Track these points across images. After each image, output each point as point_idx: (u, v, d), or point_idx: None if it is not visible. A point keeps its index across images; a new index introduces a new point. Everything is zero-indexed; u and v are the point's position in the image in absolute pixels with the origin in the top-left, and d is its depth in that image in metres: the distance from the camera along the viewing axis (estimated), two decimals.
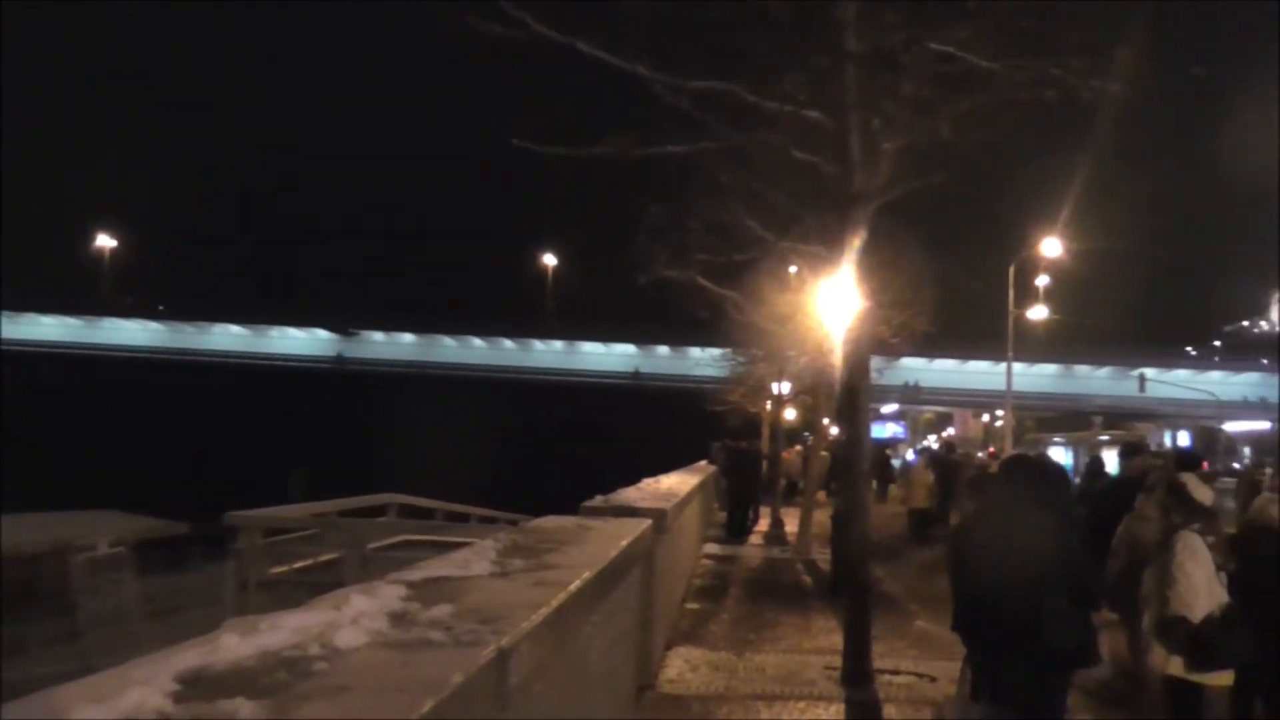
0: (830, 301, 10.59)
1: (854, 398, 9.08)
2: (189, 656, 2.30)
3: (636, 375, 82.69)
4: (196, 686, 2.11)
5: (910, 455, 43.11)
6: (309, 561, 14.64)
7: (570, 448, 64.69)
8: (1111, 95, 8.08)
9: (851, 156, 8.41)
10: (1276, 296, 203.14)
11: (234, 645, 2.40)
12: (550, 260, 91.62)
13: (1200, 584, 6.25)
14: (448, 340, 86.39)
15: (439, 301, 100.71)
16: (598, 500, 8.04)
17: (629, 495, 9.09)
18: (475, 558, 4.06)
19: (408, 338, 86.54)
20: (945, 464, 24.60)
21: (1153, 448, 46.73)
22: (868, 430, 9.73)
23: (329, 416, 75.82)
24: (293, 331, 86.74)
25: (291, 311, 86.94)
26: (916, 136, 8.39)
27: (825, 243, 10.40)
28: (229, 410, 73.44)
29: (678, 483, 13.37)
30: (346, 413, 77.10)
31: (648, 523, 6.90)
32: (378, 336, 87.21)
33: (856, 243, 8.79)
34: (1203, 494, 6.51)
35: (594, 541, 5.13)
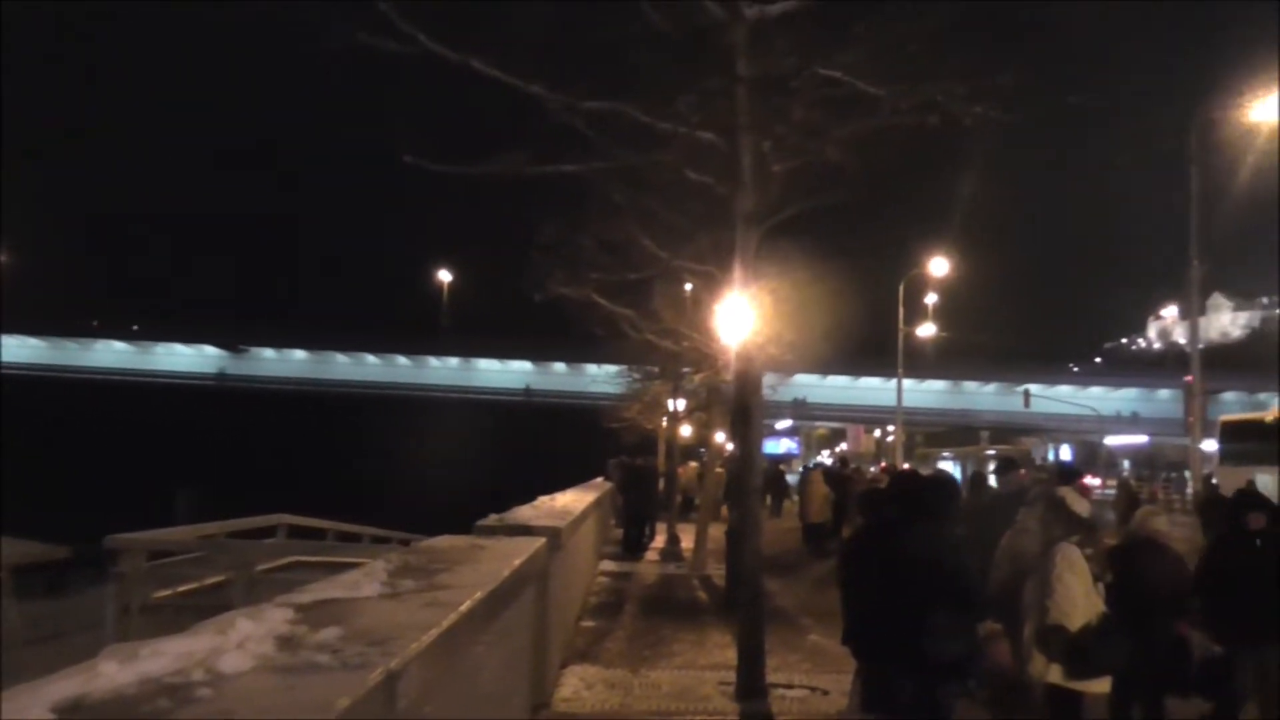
0: (724, 319, 10.71)
1: (746, 414, 9.18)
2: (67, 685, 2.24)
3: (528, 392, 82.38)
4: (75, 715, 2.07)
5: (799, 470, 43.56)
6: (194, 585, 14.28)
7: (466, 465, 64.15)
8: (992, 121, 8.34)
9: (743, 177, 8.54)
10: (1152, 317, 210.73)
11: (114, 672, 2.35)
12: (446, 277, 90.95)
13: (1078, 594, 6.44)
14: (341, 357, 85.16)
15: (333, 318, 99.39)
16: (491, 519, 7.99)
17: (523, 513, 9.05)
18: (365, 579, 4.03)
19: (299, 354, 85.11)
20: (839, 479, 24.97)
21: (1037, 461, 48.05)
22: (760, 446, 9.84)
23: (217, 435, 74.12)
24: (180, 348, 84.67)
25: (179, 328, 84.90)
26: (806, 158, 8.55)
27: (719, 262, 10.50)
28: (113, 429, 71.31)
29: (573, 500, 13.34)
30: (236, 431, 75.42)
31: (542, 541, 6.89)
32: (268, 353, 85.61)
33: (749, 262, 8.90)
34: (1081, 507, 6.72)
35: (487, 561, 5.11)
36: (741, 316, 9.19)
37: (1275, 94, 22.82)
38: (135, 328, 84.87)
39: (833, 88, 8.27)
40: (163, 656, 2.50)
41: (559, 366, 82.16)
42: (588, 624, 13.90)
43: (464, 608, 3.60)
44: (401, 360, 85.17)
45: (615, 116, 8.96)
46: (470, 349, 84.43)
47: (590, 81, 9.01)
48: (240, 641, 2.70)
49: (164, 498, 39.96)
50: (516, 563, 5.22)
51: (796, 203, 9.44)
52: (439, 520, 9.79)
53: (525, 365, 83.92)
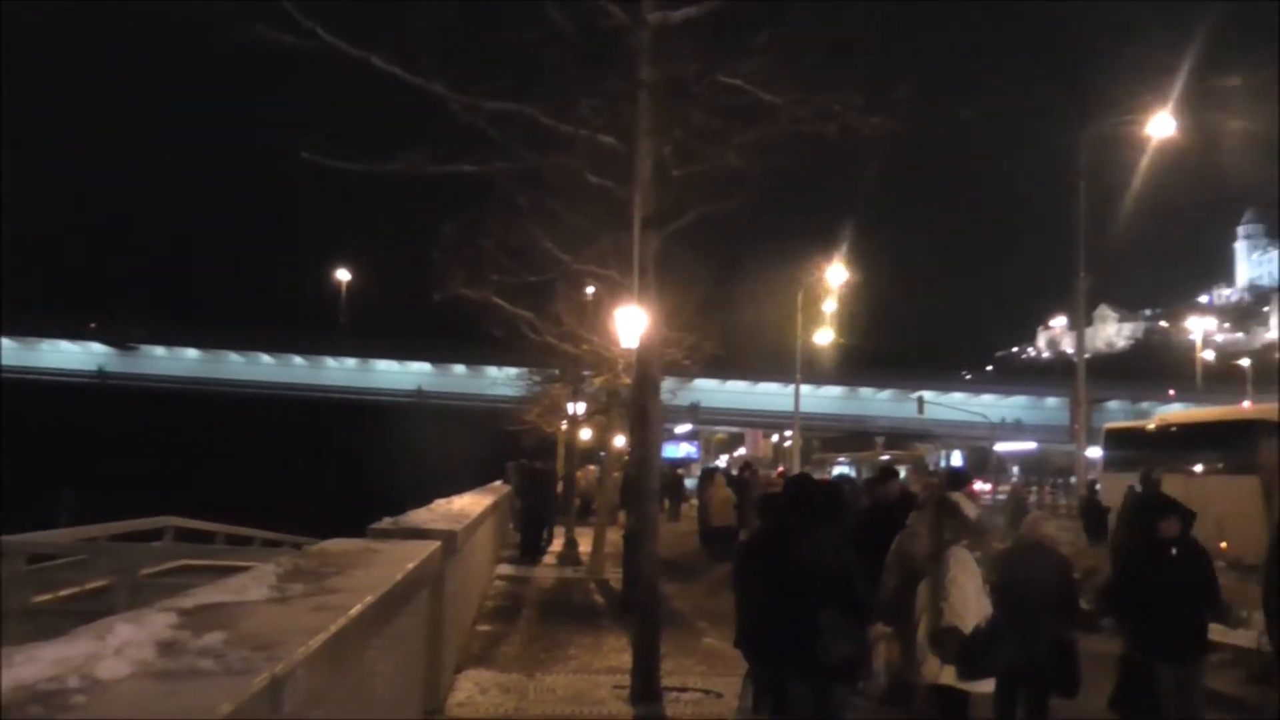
0: (623, 323, 10.73)
1: (644, 417, 9.22)
2: None
3: (420, 394, 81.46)
4: None
5: (698, 473, 43.81)
6: (76, 589, 13.87)
7: (363, 468, 63.33)
8: (888, 132, 8.49)
9: (643, 182, 8.57)
10: (1042, 327, 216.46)
11: None
12: (344, 276, 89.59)
13: (971, 597, 6.58)
14: (234, 356, 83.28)
15: (227, 317, 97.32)
16: (386, 522, 7.90)
17: (419, 516, 8.96)
18: (253, 583, 3.95)
19: (191, 353, 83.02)
20: (738, 483, 25.17)
21: (930, 467, 48.84)
22: (658, 449, 9.89)
23: (104, 434, 72.06)
24: (65, 345, 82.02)
25: (65, 324, 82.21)
26: (706, 164, 8.62)
27: (620, 265, 10.53)
28: None
29: (470, 503, 13.25)
30: (124, 431, 73.41)
31: (437, 544, 6.83)
32: (159, 351, 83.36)
33: (648, 266, 8.94)
34: (970, 511, 6.87)
35: (379, 564, 5.05)
36: (640, 320, 9.22)
37: (1162, 112, 23.56)
38: (19, 323, 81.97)
39: (733, 95, 8.36)
40: (37, 662, 2.42)
41: (459, 368, 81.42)
42: (484, 628, 13.82)
43: (354, 612, 3.55)
44: (298, 360, 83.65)
45: (517, 117, 8.95)
46: (369, 350, 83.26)
47: (494, 82, 8.97)
48: (119, 647, 2.62)
49: (49, 499, 38.69)
50: (410, 566, 5.17)
51: (697, 208, 9.51)
52: (334, 523, 9.65)
53: (424, 367, 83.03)
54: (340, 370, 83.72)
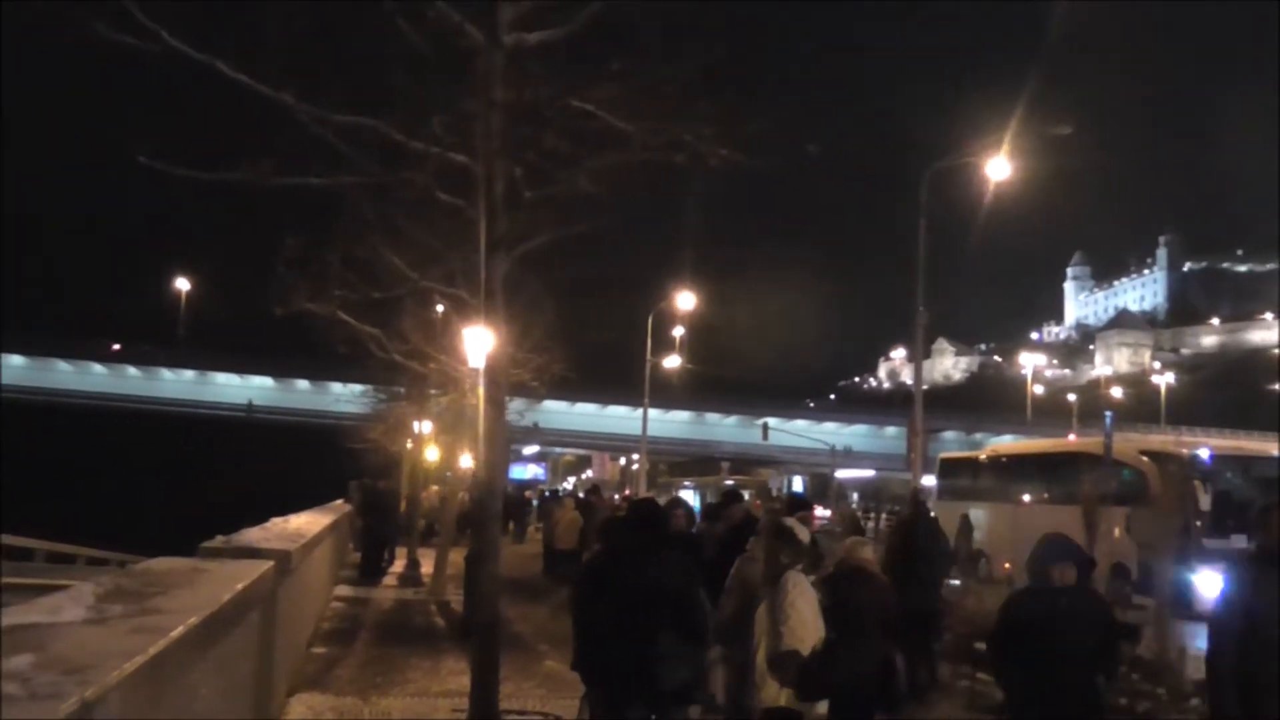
0: (471, 343, 10.66)
1: (488, 438, 9.17)
2: None
3: (250, 408, 79.31)
4: None
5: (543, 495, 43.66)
6: None
7: (200, 484, 61.31)
8: (737, 164, 8.65)
9: (495, 202, 8.55)
10: (883, 358, 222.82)
11: None
12: (184, 285, 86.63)
13: (809, 620, 6.71)
14: (63, 365, 79.77)
15: (59, 324, 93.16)
16: (218, 540, 7.65)
17: (252, 535, 8.71)
18: (69, 603, 3.79)
19: (16, 360, 79.09)
20: (584, 506, 25.17)
21: (773, 492, 49.61)
22: (502, 470, 9.84)
23: None
24: None
25: None
26: (558, 187, 8.65)
27: (469, 285, 10.45)
28: None
29: (308, 522, 12.95)
30: None
31: (269, 564, 6.65)
32: None
33: (497, 286, 8.91)
34: (804, 535, 7.01)
35: (207, 584, 4.90)
36: (487, 340, 9.17)
37: (999, 155, 24.51)
38: None
39: (586, 120, 8.41)
40: None
41: (302, 384, 79.59)
42: (319, 650, 13.50)
43: (175, 634, 3.44)
44: (132, 371, 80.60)
45: (368, 132, 8.82)
46: (209, 362, 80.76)
47: (345, 94, 8.83)
48: None
49: None
50: (239, 587, 5.03)
51: (549, 230, 9.52)
52: (166, 541, 9.34)
53: (266, 381, 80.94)
54: (177, 382, 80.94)
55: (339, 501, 26.06)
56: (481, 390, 9.44)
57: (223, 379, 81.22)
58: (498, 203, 8.55)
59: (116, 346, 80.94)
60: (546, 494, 41.67)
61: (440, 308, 17.47)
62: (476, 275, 9.42)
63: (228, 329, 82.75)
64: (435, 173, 8.98)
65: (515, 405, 26.86)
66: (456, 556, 20.49)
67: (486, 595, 9.30)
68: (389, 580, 23.11)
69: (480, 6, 8.63)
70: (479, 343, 9.73)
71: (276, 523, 11.41)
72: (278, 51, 8.51)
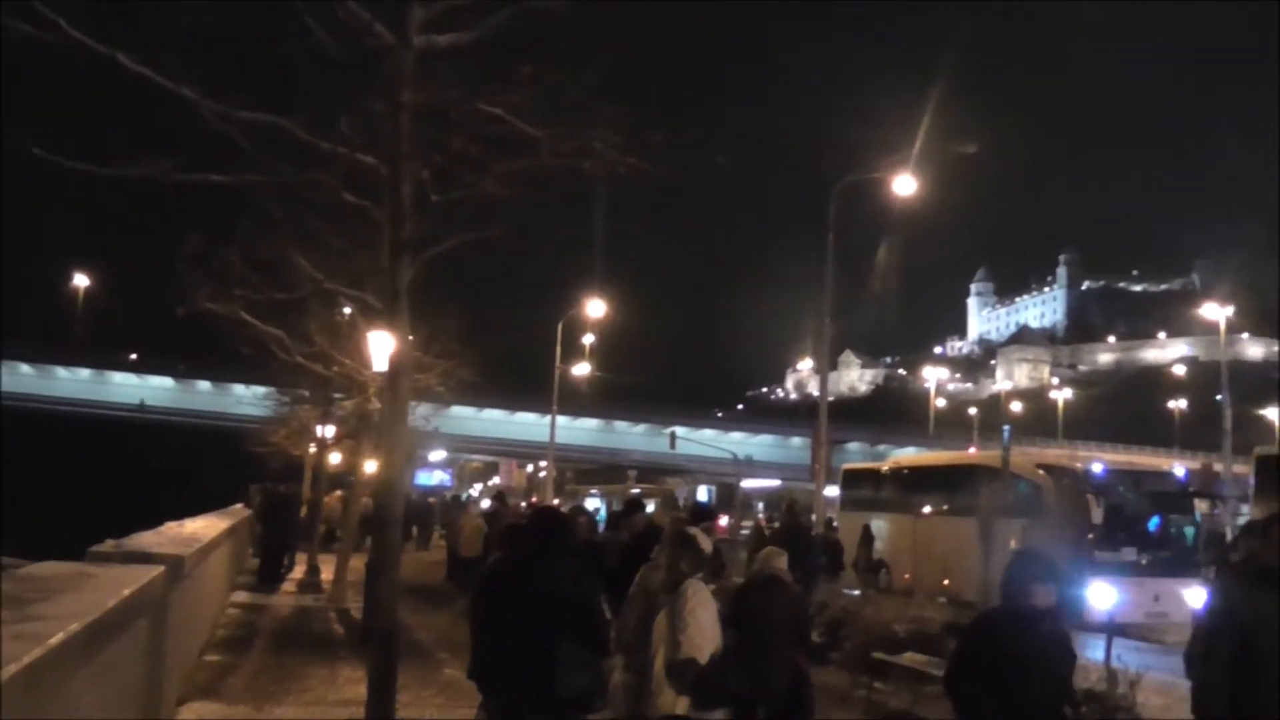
0: (376, 346, 10.55)
1: (390, 443, 9.07)
2: None
3: (142, 407, 77.38)
4: None
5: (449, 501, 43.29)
6: None
7: (94, 486, 59.66)
8: (645, 172, 8.68)
9: (402, 205, 8.47)
10: (790, 369, 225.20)
11: None
12: (83, 282, 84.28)
13: (708, 628, 6.74)
14: None
15: None
16: (108, 544, 7.47)
17: (145, 540, 8.51)
18: None
19: None
20: (489, 513, 25.01)
21: (680, 501, 49.87)
22: (402, 475, 9.74)
23: None
24: None
25: None
26: (466, 191, 8.60)
27: (375, 288, 10.33)
28: None
29: (204, 527, 12.70)
30: None
31: (160, 569, 6.51)
32: None
33: (403, 290, 8.83)
34: (706, 545, 7.04)
35: (93, 590, 4.77)
36: (391, 344, 9.08)
37: (904, 172, 24.93)
38: None
39: (495, 124, 8.37)
40: None
41: (203, 385, 77.96)
42: (213, 658, 13.22)
43: (54, 640, 3.34)
44: (24, 369, 78.11)
45: (273, 130, 8.67)
46: (106, 361, 78.64)
47: (251, 91, 8.68)
48: None
49: None
50: (126, 592, 4.91)
51: (458, 235, 9.45)
52: (55, 545, 9.07)
53: (166, 381, 79.13)
54: (73, 381, 78.66)
55: (238, 506, 25.58)
56: (383, 394, 9.34)
57: (120, 379, 79.18)
58: (404, 205, 8.47)
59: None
60: (451, 500, 41.28)
61: (347, 310, 17.27)
62: (384, 278, 9.33)
63: (128, 328, 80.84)
64: (342, 173, 8.86)
65: (421, 410, 26.63)
66: (358, 563, 20.22)
67: (385, 603, 9.17)
68: (288, 587, 22.74)
69: (391, 7, 8.54)
70: (383, 346, 9.64)
71: (171, 527, 11.17)
72: (182, 46, 8.34)
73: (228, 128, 8.55)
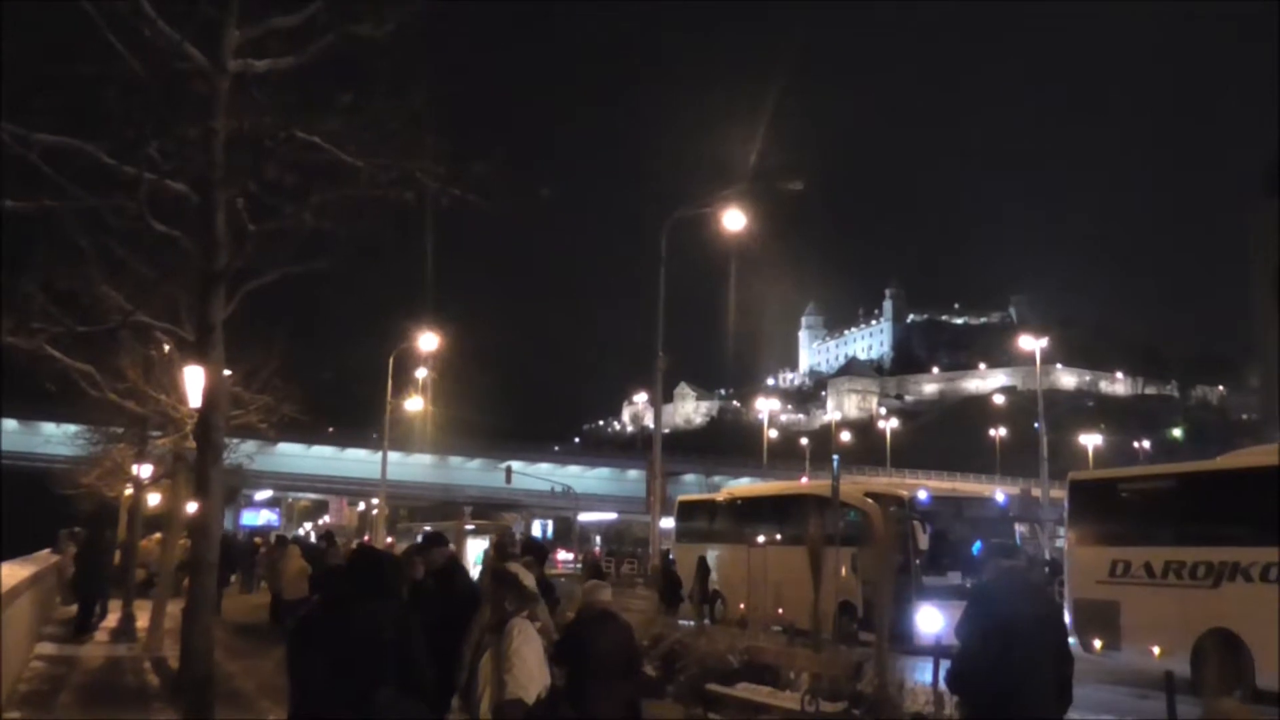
0: (192, 382, 10.16)
1: (204, 482, 8.71)
2: None
3: None
4: None
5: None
6: None
7: None
8: (469, 205, 8.58)
9: (215, 234, 8.19)
10: (626, 402, 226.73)
11: None
12: None
13: (534, 667, 6.62)
14: None
15: None
16: None
17: None
18: None
19: None
20: (314, 554, 24.26)
21: (517, 536, 49.48)
22: (218, 516, 9.37)
23: None
24: None
25: None
26: (283, 222, 8.36)
27: (192, 320, 9.96)
28: None
29: (5, 575, 11.97)
30: None
31: None
32: None
33: (217, 322, 8.51)
34: (530, 581, 6.93)
35: None
36: (206, 379, 8.74)
37: (734, 207, 25.36)
38: None
39: (312, 152, 8.17)
40: None
41: (9, 424, 73.86)
42: (13, 716, 12.42)
43: None
44: None
45: (76, 154, 8.28)
46: None
47: (53, 114, 8.27)
48: None
49: None
50: None
51: (279, 266, 9.19)
52: None
53: None
54: None
55: (45, 551, 24.28)
56: (198, 432, 8.98)
57: None
58: (218, 235, 8.20)
59: None
60: (275, 541, 40.04)
61: (167, 347, 16.60)
62: (197, 311, 9.00)
63: None
64: (151, 200, 8.51)
65: (246, 448, 25.76)
66: (176, 609, 19.37)
67: (199, 650, 8.81)
68: (100, 636, 21.61)
69: (205, 30, 8.28)
70: (199, 381, 9.28)
71: None
72: None
73: (25, 151, 8.14)
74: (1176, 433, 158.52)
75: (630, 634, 8.87)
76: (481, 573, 8.61)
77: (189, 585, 10.22)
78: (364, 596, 5.92)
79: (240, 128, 8.14)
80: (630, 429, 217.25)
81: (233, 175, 8.19)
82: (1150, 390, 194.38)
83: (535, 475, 73.94)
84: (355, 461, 74.46)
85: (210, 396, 8.75)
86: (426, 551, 9.72)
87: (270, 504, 78.23)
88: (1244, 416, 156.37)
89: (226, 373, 10.64)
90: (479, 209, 8.57)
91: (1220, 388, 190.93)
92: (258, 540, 45.33)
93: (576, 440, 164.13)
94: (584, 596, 8.76)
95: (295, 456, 71.64)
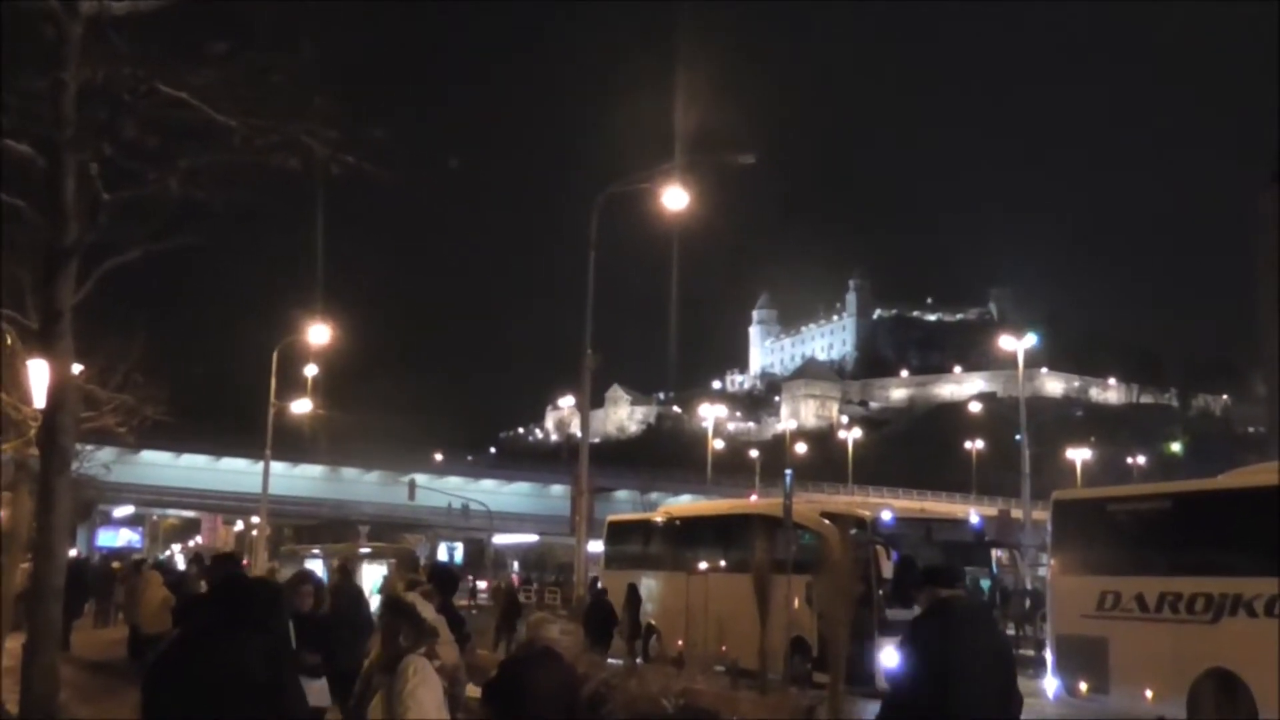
0: (36, 377, 9.99)
1: (48, 495, 8.58)
2: None
3: None
4: None
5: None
6: None
7: None
8: (364, 174, 8.51)
9: (64, 203, 8.05)
10: (550, 407, 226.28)
11: None
12: None
13: (431, 712, 6.59)
14: None
15: None
16: None
17: None
18: None
19: None
20: (179, 581, 23.91)
21: (421, 560, 49.30)
22: (64, 535, 9.22)
23: None
24: None
25: None
26: (146, 189, 8.24)
27: (36, 305, 9.80)
28: None
29: None
30: None
31: None
32: None
33: (65, 308, 8.38)
34: (429, 614, 6.90)
35: None
36: (51, 375, 8.60)
37: (676, 180, 25.19)
38: None
39: (180, 110, 8.06)
40: None
41: None
42: None
43: None
44: None
45: None
46: None
47: None
48: None
49: None
50: None
51: (142, 244, 9.06)
52: None
53: None
54: None
55: None
56: (41, 436, 8.83)
57: None
58: (67, 204, 8.06)
59: None
60: (132, 565, 39.32)
61: (9, 338, 16.31)
62: (41, 293, 8.85)
63: None
64: None
65: (102, 456, 25.36)
66: (15, 644, 19.02)
67: (41, 694, 8.67)
68: None
69: None
70: (42, 376, 9.13)
71: None
72: None
73: None
74: (1175, 447, 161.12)
75: (574, 677, 8.84)
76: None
77: (29, 617, 10.05)
78: (231, 629, 5.86)
79: (94, 79, 8.00)
80: (554, 438, 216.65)
81: (85, 135, 8.06)
82: (1146, 399, 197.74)
83: (443, 490, 73.52)
84: (232, 473, 73.54)
85: (57, 395, 8.60)
86: (297, 588, 9.51)
87: (131, 522, 77.02)
88: (1250, 429, 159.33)
89: (77, 367, 10.48)
90: (376, 180, 8.50)
91: (1224, 397, 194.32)
92: (115, 565, 44.59)
93: (492, 450, 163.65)
94: (528, 631, 8.73)
95: (161, 466, 70.75)
